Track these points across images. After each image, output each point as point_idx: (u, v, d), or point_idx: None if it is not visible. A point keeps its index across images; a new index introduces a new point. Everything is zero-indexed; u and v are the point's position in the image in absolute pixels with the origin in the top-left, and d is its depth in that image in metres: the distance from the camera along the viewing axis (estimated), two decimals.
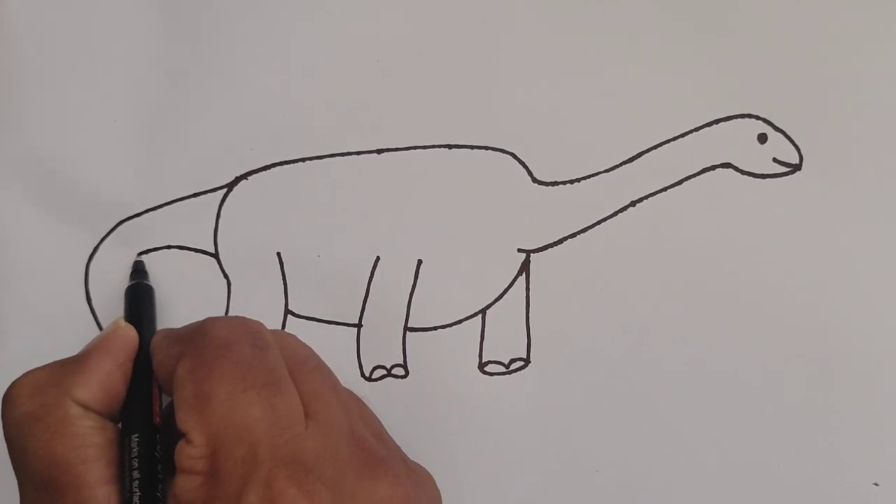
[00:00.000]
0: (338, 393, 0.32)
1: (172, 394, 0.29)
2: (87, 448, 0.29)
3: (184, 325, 0.32)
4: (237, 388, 0.28)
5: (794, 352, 0.37)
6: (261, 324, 0.31)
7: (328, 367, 0.33)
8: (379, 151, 0.37)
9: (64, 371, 0.31)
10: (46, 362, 0.36)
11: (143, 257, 0.37)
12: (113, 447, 0.30)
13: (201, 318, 0.37)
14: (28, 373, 0.31)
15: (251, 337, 0.30)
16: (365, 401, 0.36)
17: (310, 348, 0.33)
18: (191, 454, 0.27)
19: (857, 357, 0.37)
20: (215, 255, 0.38)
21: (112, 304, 0.37)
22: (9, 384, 0.31)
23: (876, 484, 0.36)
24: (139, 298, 0.36)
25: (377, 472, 0.29)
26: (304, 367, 0.31)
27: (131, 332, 0.33)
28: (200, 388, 0.28)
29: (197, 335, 0.30)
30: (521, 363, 0.37)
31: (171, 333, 0.32)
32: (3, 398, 0.31)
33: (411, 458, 0.34)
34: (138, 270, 0.37)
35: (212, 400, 0.28)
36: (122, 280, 0.37)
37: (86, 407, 0.30)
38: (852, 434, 0.36)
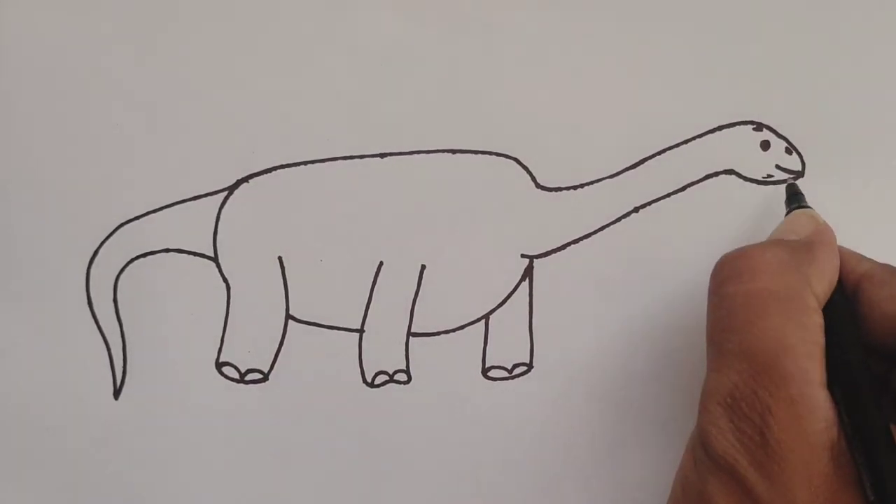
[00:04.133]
0: None
1: None
2: (815, 345, 0.28)
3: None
4: None
5: None
6: None
7: None
8: (382, 155, 0.37)
9: (801, 257, 0.30)
10: (47, 365, 0.36)
11: (142, 260, 0.37)
12: (824, 350, 0.28)
13: (201, 322, 0.37)
14: (763, 248, 0.30)
15: None
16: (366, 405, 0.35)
17: None
18: None
19: None
20: (214, 259, 0.37)
21: (112, 306, 0.37)
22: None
23: None
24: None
25: None
26: None
27: (832, 231, 0.32)
28: None
29: None
30: (524, 368, 0.37)
31: None
32: (739, 268, 0.29)
33: (413, 464, 0.34)
34: (797, 193, 0.36)
35: None
36: (122, 281, 0.37)
37: (818, 300, 0.29)
38: None
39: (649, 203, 0.37)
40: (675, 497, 0.30)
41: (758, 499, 0.27)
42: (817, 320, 0.29)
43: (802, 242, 0.31)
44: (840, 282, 0.31)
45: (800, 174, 0.37)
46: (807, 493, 0.26)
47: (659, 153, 0.37)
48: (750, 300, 0.29)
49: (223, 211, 0.37)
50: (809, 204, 0.35)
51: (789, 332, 0.28)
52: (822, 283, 0.30)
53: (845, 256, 0.31)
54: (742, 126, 0.37)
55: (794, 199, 0.35)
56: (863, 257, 0.32)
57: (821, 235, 0.32)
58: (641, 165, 0.37)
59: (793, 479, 0.27)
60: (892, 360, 0.31)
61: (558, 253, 0.37)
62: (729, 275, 0.30)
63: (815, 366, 0.28)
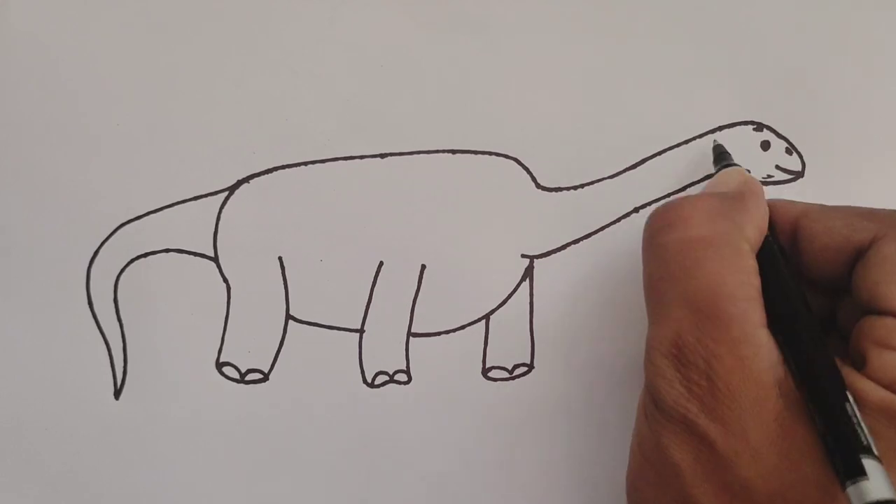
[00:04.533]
0: None
1: (871, 268, 0.28)
2: (752, 287, 0.28)
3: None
4: None
5: None
6: None
7: None
8: (382, 156, 0.37)
9: (731, 205, 0.30)
10: (47, 365, 0.36)
11: (143, 260, 0.37)
12: (760, 292, 0.29)
13: (201, 322, 0.37)
14: (694, 197, 0.30)
15: None
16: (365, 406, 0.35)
17: None
18: None
19: None
20: (215, 259, 0.37)
21: (112, 306, 0.37)
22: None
23: None
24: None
25: None
26: None
27: (760, 183, 0.33)
28: None
29: None
30: (525, 369, 0.37)
31: (841, 208, 0.31)
32: (670, 218, 0.30)
33: (413, 464, 0.34)
34: (724, 153, 0.36)
35: None
36: (122, 281, 0.37)
37: (750, 245, 0.29)
38: None
39: (649, 203, 0.37)
40: (633, 457, 0.30)
41: (712, 444, 0.27)
42: (752, 263, 0.29)
43: (732, 193, 0.31)
44: (773, 227, 0.31)
45: (800, 174, 0.37)
46: (759, 432, 0.27)
47: (659, 153, 0.37)
48: (684, 248, 0.29)
49: (223, 211, 0.37)
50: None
51: (726, 277, 0.28)
52: (753, 229, 0.30)
53: (778, 203, 0.32)
54: (742, 126, 0.37)
55: (722, 158, 0.35)
56: (795, 202, 0.32)
57: (748, 186, 0.32)
58: (641, 166, 0.37)
59: (744, 420, 0.27)
60: (836, 293, 0.31)
61: (558, 253, 0.37)
62: (661, 225, 0.30)
63: (755, 307, 0.28)
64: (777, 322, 0.28)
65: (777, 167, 0.37)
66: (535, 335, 0.37)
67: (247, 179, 0.37)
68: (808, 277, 0.31)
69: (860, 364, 0.28)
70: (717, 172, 0.35)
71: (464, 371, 0.37)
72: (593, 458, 0.37)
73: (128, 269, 0.37)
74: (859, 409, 0.26)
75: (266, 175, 0.37)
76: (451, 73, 0.37)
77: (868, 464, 0.25)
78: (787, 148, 0.37)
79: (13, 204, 0.37)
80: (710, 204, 0.30)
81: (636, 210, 0.37)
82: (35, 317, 0.37)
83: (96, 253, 0.37)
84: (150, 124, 0.37)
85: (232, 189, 0.37)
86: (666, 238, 0.29)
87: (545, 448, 0.37)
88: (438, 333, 0.37)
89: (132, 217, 0.37)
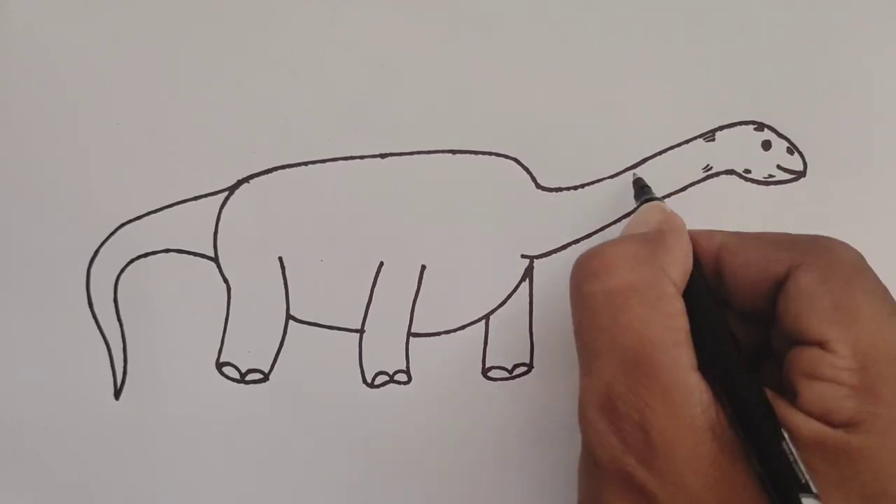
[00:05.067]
0: None
1: (791, 300, 0.28)
2: (679, 331, 0.28)
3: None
4: (881, 311, 0.27)
5: None
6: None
7: None
8: (382, 156, 0.37)
9: (653, 247, 0.30)
10: (47, 365, 0.36)
11: (143, 260, 0.37)
12: (689, 334, 0.28)
13: (201, 322, 0.37)
14: (616, 243, 0.30)
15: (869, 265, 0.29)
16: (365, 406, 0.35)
17: None
18: (836, 364, 0.27)
19: None
20: (215, 259, 0.37)
21: (113, 306, 0.37)
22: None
23: None
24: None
25: None
26: None
27: (680, 217, 0.32)
28: (841, 301, 0.27)
29: (817, 248, 0.29)
30: (525, 369, 0.37)
31: (757, 237, 0.31)
32: (595, 266, 0.29)
33: (413, 464, 0.34)
34: (644, 186, 0.36)
35: (858, 316, 0.27)
36: (122, 281, 0.37)
37: (675, 287, 0.29)
38: None
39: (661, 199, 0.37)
40: None
41: (652, 496, 0.27)
42: (678, 306, 0.29)
43: (653, 233, 0.31)
44: (698, 262, 0.31)
45: (801, 174, 0.37)
46: (696, 479, 0.26)
47: (659, 153, 0.37)
48: (610, 297, 0.28)
49: (223, 211, 0.37)
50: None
51: (653, 323, 0.28)
52: (677, 268, 0.29)
53: (697, 236, 0.31)
54: (743, 126, 0.37)
55: (643, 193, 0.35)
56: (714, 231, 0.32)
57: (669, 223, 0.32)
58: (642, 166, 0.37)
59: (681, 468, 0.27)
60: (766, 323, 0.31)
61: (558, 253, 0.37)
62: (586, 275, 0.29)
63: (683, 351, 0.28)
64: (707, 362, 0.28)
65: (778, 167, 0.37)
66: (534, 335, 0.37)
67: (247, 179, 0.37)
68: (738, 308, 0.31)
69: (794, 396, 0.27)
70: (637, 207, 0.35)
71: (464, 371, 0.37)
72: None
73: (128, 269, 0.37)
74: (794, 445, 0.26)
75: (266, 175, 0.37)
76: (451, 73, 0.37)
77: (808, 503, 0.25)
78: (788, 147, 0.37)
79: (13, 204, 0.37)
80: (632, 249, 0.30)
81: (636, 210, 0.37)
82: (35, 317, 0.37)
83: (96, 253, 0.37)
84: (150, 124, 0.37)
85: (232, 189, 0.37)
86: (591, 288, 0.29)
87: (545, 448, 0.37)
88: (438, 333, 0.37)
89: (132, 217, 0.37)
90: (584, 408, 0.29)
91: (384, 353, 0.37)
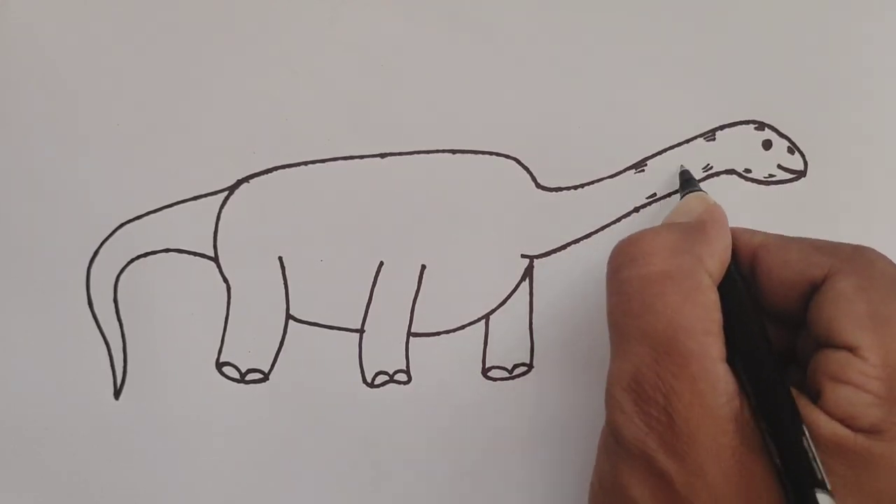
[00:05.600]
0: None
1: (827, 303, 0.28)
2: (712, 322, 0.28)
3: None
4: None
5: None
6: None
7: None
8: (382, 156, 0.37)
9: (692, 238, 0.30)
10: (47, 365, 0.36)
11: (142, 260, 0.37)
12: (721, 326, 0.29)
13: (201, 322, 0.37)
14: (656, 231, 0.30)
15: None
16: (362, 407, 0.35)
17: None
18: (864, 371, 0.27)
19: None
20: (215, 259, 0.37)
21: (113, 306, 0.37)
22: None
23: None
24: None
25: None
26: None
27: (723, 210, 0.32)
28: (877, 310, 0.28)
29: (859, 258, 0.29)
30: (525, 368, 0.37)
31: (799, 240, 0.31)
32: (633, 253, 0.30)
33: (414, 464, 0.34)
34: (689, 179, 0.36)
35: (892, 327, 0.27)
36: (122, 281, 0.37)
37: (711, 278, 0.29)
38: None
39: (649, 203, 0.37)
40: (593, 491, 0.31)
41: (671, 480, 0.27)
42: (712, 297, 0.29)
43: (693, 223, 0.31)
44: (735, 257, 0.31)
45: (802, 174, 0.37)
46: (716, 467, 0.27)
47: (659, 153, 0.37)
48: (645, 283, 0.29)
49: (223, 211, 0.37)
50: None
51: (686, 312, 0.28)
52: (714, 260, 0.30)
53: (738, 232, 0.32)
54: (743, 125, 0.37)
55: (687, 185, 0.35)
56: (756, 231, 0.32)
57: (711, 214, 0.32)
58: (641, 165, 0.37)
59: (702, 456, 0.27)
60: (795, 325, 0.31)
61: (558, 253, 0.37)
62: (623, 260, 0.30)
63: (714, 341, 0.28)
64: (737, 355, 0.28)
65: (779, 166, 0.37)
66: (534, 335, 0.37)
67: (247, 179, 0.37)
68: (768, 309, 0.31)
69: (816, 397, 0.28)
70: (682, 196, 0.35)
71: (464, 371, 0.37)
72: (593, 458, 0.36)
73: (128, 269, 0.37)
74: (814, 443, 0.27)
75: (266, 175, 0.37)
76: (451, 73, 0.37)
77: (822, 499, 0.25)
78: (788, 147, 0.37)
79: (13, 204, 0.37)
80: (671, 237, 0.30)
81: (636, 210, 0.37)
82: (35, 317, 0.37)
83: (96, 253, 0.37)
84: (150, 124, 0.37)
85: (232, 189, 0.37)
86: (628, 273, 0.30)
87: (545, 447, 0.37)
88: (438, 333, 0.37)
89: (132, 217, 0.37)
90: (611, 387, 0.29)
91: (384, 353, 0.37)
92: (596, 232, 0.37)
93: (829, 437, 0.27)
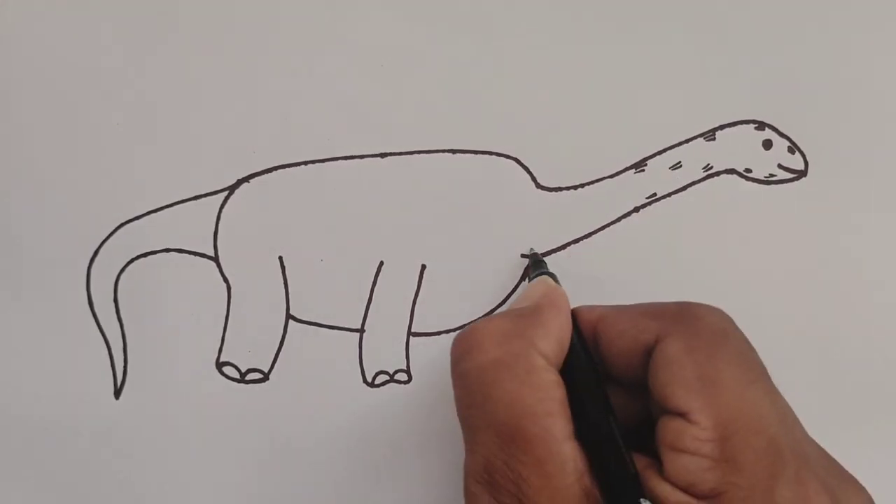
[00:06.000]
0: None
1: (658, 369, 0.29)
2: (552, 402, 0.28)
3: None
4: (744, 379, 0.28)
5: (800, 356, 0.37)
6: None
7: None
8: (382, 156, 0.37)
9: (524, 322, 0.30)
10: (47, 365, 0.36)
11: (143, 260, 0.37)
12: (565, 404, 0.29)
13: (201, 322, 0.37)
14: (488, 321, 0.31)
15: (739, 329, 0.30)
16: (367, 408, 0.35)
17: None
18: (697, 436, 0.27)
19: (862, 361, 0.37)
20: (215, 259, 0.37)
21: (113, 306, 0.37)
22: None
23: None
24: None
25: (844, 475, 0.29)
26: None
27: (564, 292, 0.33)
28: (704, 371, 0.28)
29: (684, 316, 0.30)
30: None
31: (631, 308, 0.31)
32: (467, 344, 0.30)
33: (414, 464, 0.34)
34: (538, 261, 0.36)
35: (720, 386, 0.27)
36: (122, 281, 0.37)
37: (547, 360, 0.29)
38: (853, 439, 0.36)
39: (649, 203, 0.37)
40: None
41: None
42: (549, 377, 0.29)
43: (529, 307, 0.32)
44: (581, 336, 0.31)
45: (803, 173, 0.37)
46: None
47: (659, 153, 0.37)
48: (481, 373, 0.29)
49: (223, 211, 0.37)
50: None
51: (524, 396, 0.28)
52: (549, 341, 0.30)
53: (579, 311, 0.32)
54: (744, 125, 0.37)
55: (537, 266, 0.36)
56: (595, 306, 0.32)
57: (547, 298, 0.32)
58: (641, 165, 0.37)
59: None
60: (644, 393, 0.31)
61: (558, 253, 0.37)
62: (460, 352, 0.30)
63: (556, 421, 0.28)
64: (582, 432, 0.29)
65: (779, 166, 0.37)
66: None
67: (247, 179, 0.37)
68: (618, 379, 0.31)
69: (660, 466, 0.28)
70: (530, 279, 0.35)
71: None
72: None
73: (128, 269, 0.37)
74: None
75: (266, 174, 0.37)
76: (451, 73, 0.37)
77: None
78: (789, 147, 0.37)
79: (14, 204, 0.37)
80: (503, 324, 0.30)
81: (636, 210, 0.37)
82: (35, 317, 0.37)
83: (96, 253, 0.37)
84: (150, 124, 0.37)
85: (232, 189, 0.37)
86: (465, 365, 0.30)
87: None
88: (438, 333, 0.37)
89: (132, 217, 0.37)
90: (467, 482, 0.29)
91: (384, 353, 0.37)
92: (596, 232, 0.37)
93: None
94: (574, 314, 0.32)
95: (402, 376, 0.37)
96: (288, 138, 0.37)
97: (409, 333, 0.37)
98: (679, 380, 0.28)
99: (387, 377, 0.37)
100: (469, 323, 0.37)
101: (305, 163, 0.37)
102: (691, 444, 0.27)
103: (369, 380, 0.37)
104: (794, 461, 0.27)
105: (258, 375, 0.37)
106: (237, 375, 0.37)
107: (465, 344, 0.30)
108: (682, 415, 0.27)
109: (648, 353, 0.30)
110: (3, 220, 0.37)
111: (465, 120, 0.37)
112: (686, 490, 0.27)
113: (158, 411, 0.37)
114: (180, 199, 0.37)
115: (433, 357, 0.37)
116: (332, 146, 0.37)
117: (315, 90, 0.37)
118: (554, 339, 0.30)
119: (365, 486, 0.37)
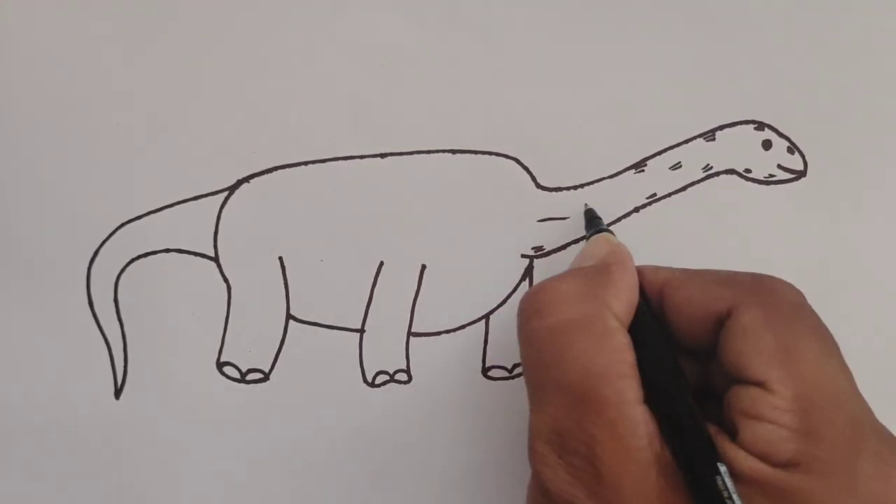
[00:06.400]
0: None
1: (733, 338, 0.28)
2: (625, 364, 0.28)
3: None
4: (823, 352, 0.28)
5: None
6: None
7: None
8: (382, 156, 0.37)
9: (596, 282, 0.30)
10: (47, 365, 0.36)
11: (143, 260, 0.37)
12: (636, 366, 0.29)
13: (202, 322, 0.37)
14: (559, 279, 0.30)
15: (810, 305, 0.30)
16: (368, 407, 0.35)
17: None
18: (776, 405, 0.27)
19: (862, 361, 0.37)
20: (215, 259, 0.37)
21: (113, 306, 0.37)
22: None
23: None
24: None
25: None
26: None
27: (628, 249, 0.32)
28: (782, 342, 0.28)
29: (760, 288, 0.29)
30: None
31: (701, 274, 0.31)
32: (538, 304, 0.30)
33: (414, 464, 0.34)
34: (594, 218, 0.36)
35: (799, 358, 0.27)
36: (122, 281, 0.37)
37: (619, 321, 0.29)
38: None
39: (649, 203, 0.37)
40: None
41: None
42: (623, 340, 0.29)
43: (598, 267, 0.31)
44: (645, 296, 0.31)
45: (802, 174, 0.37)
46: None
47: (659, 153, 0.37)
48: (554, 334, 0.29)
49: (224, 211, 0.37)
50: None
51: (597, 358, 0.28)
52: (621, 301, 0.30)
53: (644, 271, 0.32)
54: (743, 125, 0.37)
55: (592, 224, 0.35)
56: (660, 267, 0.32)
57: (614, 256, 0.32)
58: (641, 165, 0.37)
59: (627, 500, 0.27)
60: (708, 359, 0.31)
61: (558, 253, 0.37)
62: (530, 312, 0.30)
63: (629, 384, 0.28)
64: (652, 394, 0.28)
65: (779, 166, 0.37)
66: None
67: (247, 179, 0.37)
68: (681, 345, 0.31)
69: (734, 433, 0.28)
70: (588, 237, 0.35)
71: (464, 371, 0.37)
72: None
73: (128, 269, 0.37)
74: (735, 480, 0.27)
75: (266, 175, 0.37)
76: (451, 73, 0.37)
77: None
78: (788, 147, 0.37)
79: (14, 204, 0.37)
80: (575, 284, 0.30)
81: (636, 210, 0.37)
82: (35, 317, 0.37)
83: (96, 253, 0.37)
84: (150, 124, 0.37)
85: (232, 189, 0.37)
86: (535, 325, 0.29)
87: None
88: (438, 333, 0.37)
89: (132, 217, 0.37)
90: (533, 441, 0.29)
91: (384, 353, 0.37)
92: (596, 232, 0.37)
93: (749, 473, 0.27)
94: (638, 273, 0.31)
95: (402, 376, 0.37)
96: (288, 138, 0.37)
97: (409, 333, 0.37)
98: (757, 349, 0.28)
99: (387, 377, 0.37)
100: (469, 323, 0.37)
101: (305, 163, 0.37)
102: (770, 413, 0.27)
103: (369, 380, 0.37)
104: (874, 437, 0.27)
105: (258, 375, 0.37)
106: (237, 375, 0.37)
107: (537, 304, 0.30)
108: (758, 384, 0.27)
109: (719, 321, 0.29)
110: (3, 220, 0.37)
111: (465, 120, 0.37)
112: (761, 458, 0.27)
113: (158, 411, 0.37)
114: (180, 199, 0.37)
115: (433, 357, 0.37)
116: (332, 146, 0.37)
117: (315, 90, 0.37)
118: (624, 299, 0.30)
119: (365, 486, 0.37)
